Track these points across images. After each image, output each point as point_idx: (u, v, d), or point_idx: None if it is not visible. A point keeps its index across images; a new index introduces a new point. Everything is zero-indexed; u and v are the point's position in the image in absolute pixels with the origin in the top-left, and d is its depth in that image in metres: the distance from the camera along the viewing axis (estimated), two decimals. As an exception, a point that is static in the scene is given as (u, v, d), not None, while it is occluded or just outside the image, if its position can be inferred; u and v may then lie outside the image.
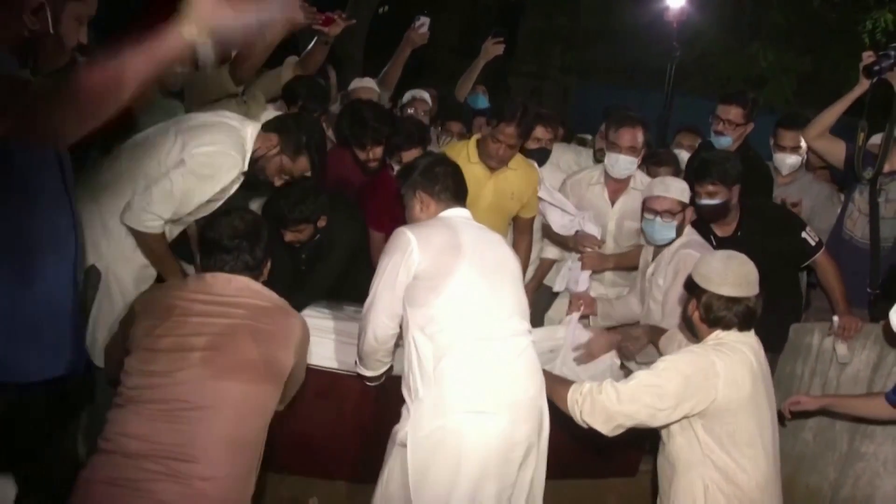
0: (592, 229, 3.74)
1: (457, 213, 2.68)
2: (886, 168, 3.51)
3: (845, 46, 8.73)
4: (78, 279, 1.91)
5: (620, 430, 2.46)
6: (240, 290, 2.25)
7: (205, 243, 2.33)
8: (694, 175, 3.51)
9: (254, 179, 3.07)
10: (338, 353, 3.04)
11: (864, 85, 3.55)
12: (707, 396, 2.37)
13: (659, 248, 3.39)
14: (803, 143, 3.95)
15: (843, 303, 3.45)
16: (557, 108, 5.57)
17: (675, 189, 3.28)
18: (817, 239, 3.51)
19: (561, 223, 3.82)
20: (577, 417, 2.47)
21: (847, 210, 3.75)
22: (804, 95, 9.54)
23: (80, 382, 2.46)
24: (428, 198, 2.69)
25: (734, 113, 3.96)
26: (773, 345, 3.57)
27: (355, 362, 2.80)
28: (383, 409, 2.99)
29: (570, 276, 3.75)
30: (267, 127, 3.02)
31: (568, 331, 3.34)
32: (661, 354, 2.93)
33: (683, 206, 3.27)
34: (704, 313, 2.51)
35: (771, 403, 2.55)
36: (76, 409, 2.91)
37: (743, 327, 2.50)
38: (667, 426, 2.49)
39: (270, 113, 4.26)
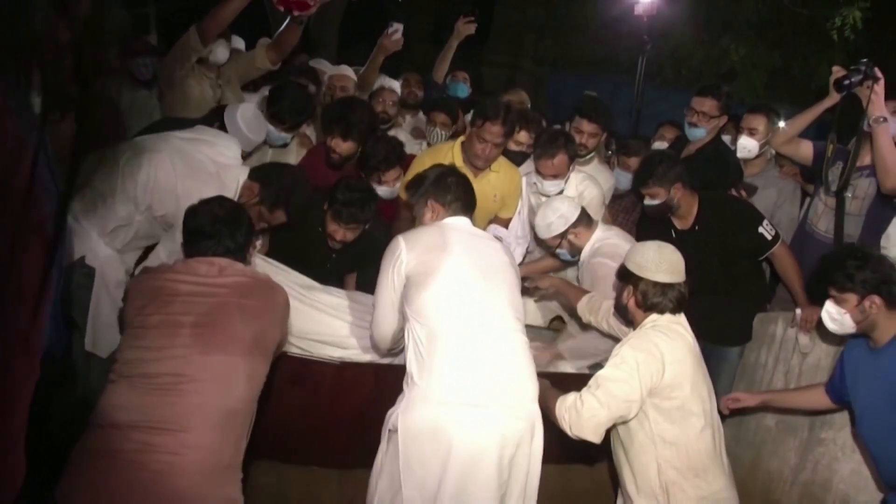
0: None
1: (456, 221, 2.74)
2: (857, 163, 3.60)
3: (814, 42, 8.87)
4: (62, 262, 1.94)
5: (597, 435, 2.54)
6: (223, 270, 2.31)
7: (187, 232, 2.41)
8: (637, 183, 3.66)
9: None
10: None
11: (833, 98, 3.65)
12: (657, 373, 2.51)
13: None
14: (761, 129, 4.04)
15: (802, 294, 3.54)
16: (531, 100, 5.60)
17: (541, 229, 3.48)
18: (774, 232, 3.58)
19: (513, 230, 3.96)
20: (568, 432, 2.55)
21: (813, 203, 3.84)
22: (774, 89, 9.68)
23: (58, 365, 2.47)
24: (439, 206, 2.77)
25: (708, 105, 4.05)
26: (736, 337, 3.67)
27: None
28: (362, 396, 3.03)
29: None
30: (252, 175, 3.12)
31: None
32: (582, 317, 3.21)
33: (558, 236, 3.44)
34: (641, 299, 2.67)
35: (707, 380, 2.70)
36: (54, 389, 2.93)
37: (676, 311, 2.68)
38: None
39: (251, 99, 4.27)
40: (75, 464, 2.01)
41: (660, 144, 4.64)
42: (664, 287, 2.65)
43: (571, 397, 2.56)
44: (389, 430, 2.52)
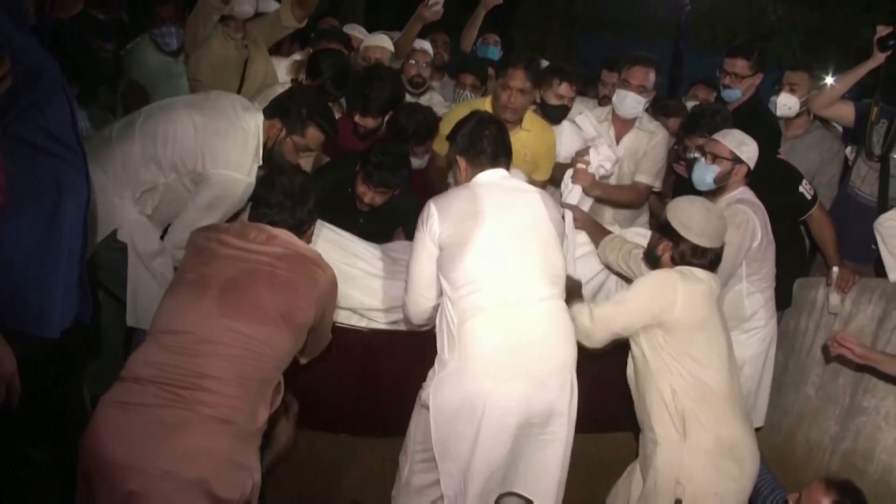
0: (605, 153, 3.55)
1: (489, 177, 2.64)
2: None
3: (856, 2, 8.60)
4: (87, 226, 1.94)
5: (601, 344, 2.71)
6: (271, 239, 2.34)
7: (254, 198, 2.49)
8: (684, 129, 3.55)
9: (280, 163, 3.10)
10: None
11: (878, 58, 3.52)
12: (666, 308, 2.60)
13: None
14: (802, 85, 3.92)
15: (837, 255, 3.49)
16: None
17: (732, 139, 3.20)
18: (813, 192, 3.50)
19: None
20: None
21: (856, 166, 3.72)
22: (813, 50, 9.41)
23: (84, 332, 2.49)
24: (465, 162, 2.68)
25: (740, 65, 3.93)
26: (777, 302, 3.58)
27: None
28: (392, 365, 3.01)
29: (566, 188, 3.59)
30: (267, 114, 3.04)
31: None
32: (601, 255, 3.19)
33: (734, 157, 3.17)
34: (678, 258, 2.71)
35: (727, 333, 2.73)
36: (80, 358, 2.95)
37: (710, 270, 2.72)
38: (637, 337, 2.70)
39: (279, 63, 4.20)
40: (99, 414, 2.09)
41: (693, 105, 4.51)
42: (704, 251, 2.68)
43: (578, 305, 2.72)
44: (421, 405, 2.55)
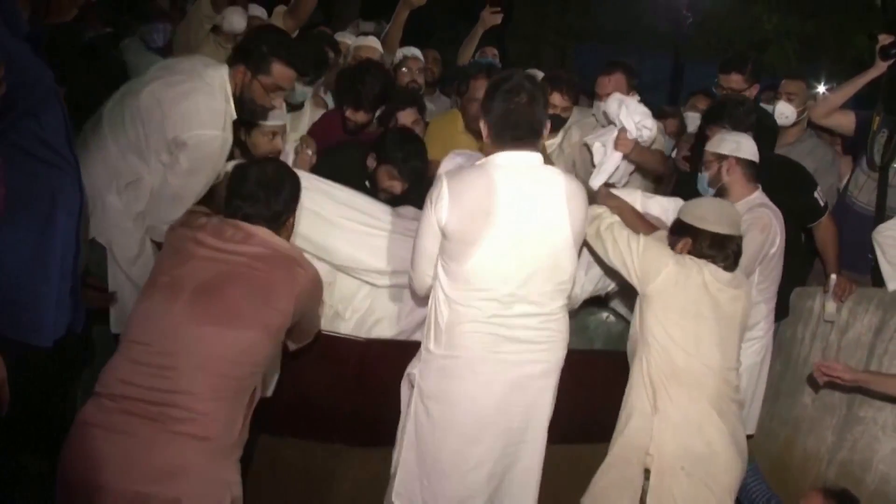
0: (640, 110, 3.47)
1: (513, 161, 2.44)
2: None
3: (849, 10, 8.65)
4: (80, 236, 1.93)
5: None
6: (249, 237, 2.22)
7: (228, 190, 2.35)
8: (706, 119, 3.50)
9: (258, 113, 3.03)
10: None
11: (879, 67, 3.54)
12: (650, 274, 2.63)
13: None
14: (799, 94, 3.93)
15: (837, 264, 3.49)
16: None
17: (713, 141, 3.19)
18: (825, 200, 3.49)
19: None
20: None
21: (854, 174, 3.72)
22: (807, 59, 9.46)
23: (78, 340, 2.47)
24: (489, 130, 2.47)
25: (735, 80, 3.95)
26: (776, 312, 3.56)
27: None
28: (388, 373, 2.99)
29: (605, 151, 3.48)
30: (230, 62, 2.96)
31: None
32: None
33: (718, 157, 3.14)
34: (698, 254, 2.66)
35: (726, 334, 2.68)
36: (75, 366, 2.93)
37: (731, 267, 2.68)
38: (636, 305, 2.74)
39: None
40: (72, 433, 2.04)
41: (693, 115, 4.53)
42: (724, 239, 2.66)
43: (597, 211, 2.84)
44: (407, 384, 2.59)
